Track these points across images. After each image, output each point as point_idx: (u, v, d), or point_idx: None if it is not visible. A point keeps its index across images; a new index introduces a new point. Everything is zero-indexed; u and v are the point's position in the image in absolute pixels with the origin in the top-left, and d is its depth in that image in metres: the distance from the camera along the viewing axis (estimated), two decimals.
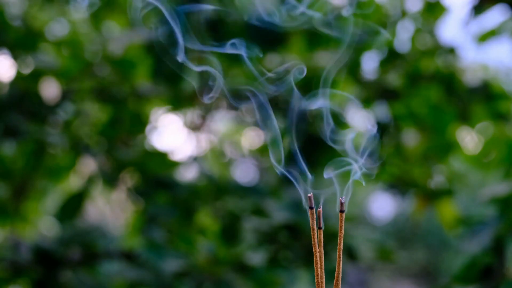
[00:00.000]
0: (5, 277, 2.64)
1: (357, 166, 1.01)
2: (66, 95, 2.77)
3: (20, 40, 2.70)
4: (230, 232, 2.66)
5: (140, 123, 2.85)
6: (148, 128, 2.91)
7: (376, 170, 2.72)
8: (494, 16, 2.55)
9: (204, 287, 2.56)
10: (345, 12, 2.49)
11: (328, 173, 0.98)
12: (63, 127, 2.73)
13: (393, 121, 2.76)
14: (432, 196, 2.79)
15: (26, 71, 2.72)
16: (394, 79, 2.75)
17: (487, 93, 2.71)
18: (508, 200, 2.34)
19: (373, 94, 2.74)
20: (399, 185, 2.86)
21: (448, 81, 2.72)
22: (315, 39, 2.68)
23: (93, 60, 2.79)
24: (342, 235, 0.96)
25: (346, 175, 1.01)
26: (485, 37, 2.58)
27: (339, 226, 0.97)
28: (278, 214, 2.61)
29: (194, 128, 3.02)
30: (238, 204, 2.68)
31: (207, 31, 2.48)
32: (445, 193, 2.78)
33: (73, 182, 3.06)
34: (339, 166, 1.00)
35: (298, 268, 2.65)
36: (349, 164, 1.01)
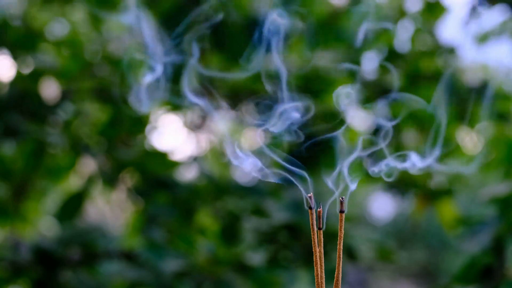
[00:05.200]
0: (5, 277, 2.64)
1: (357, 166, 1.01)
2: (66, 95, 2.77)
3: (20, 40, 2.70)
4: (230, 232, 2.66)
5: (140, 123, 2.85)
6: (148, 128, 2.91)
7: (377, 170, 2.72)
8: (494, 16, 2.55)
9: (204, 287, 2.56)
10: (345, 12, 2.49)
11: (328, 173, 0.99)
12: (63, 127, 2.73)
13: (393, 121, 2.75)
14: (432, 196, 2.79)
15: (26, 71, 2.72)
16: (394, 79, 2.75)
17: (491, 94, 2.71)
18: (508, 200, 2.34)
19: (373, 94, 2.74)
20: (399, 185, 2.86)
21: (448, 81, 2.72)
22: (315, 39, 2.68)
23: (93, 60, 2.79)
24: (342, 235, 0.97)
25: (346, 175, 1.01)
26: (485, 37, 2.58)
27: (339, 226, 0.97)
28: (278, 214, 2.62)
29: (194, 128, 3.02)
30: (238, 204, 2.68)
31: (207, 32, 2.47)
32: (445, 193, 2.78)
33: (73, 182, 3.06)
34: (339, 166, 1.00)
35: (298, 268, 2.65)
36: (349, 164, 1.01)
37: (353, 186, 0.97)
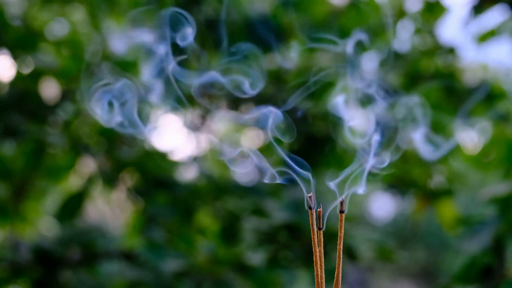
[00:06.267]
0: (5, 277, 2.64)
1: (357, 166, 1.01)
2: (66, 95, 2.77)
3: (20, 40, 2.70)
4: (230, 232, 2.66)
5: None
6: (148, 128, 2.91)
7: (378, 170, 2.72)
8: (494, 16, 2.55)
9: (204, 287, 2.56)
10: (345, 12, 2.49)
11: (328, 174, 0.99)
12: (63, 127, 2.73)
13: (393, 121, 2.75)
14: (432, 196, 2.79)
15: (26, 71, 2.72)
16: (394, 79, 2.75)
17: (487, 93, 2.71)
18: (508, 200, 2.34)
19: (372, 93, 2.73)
20: (399, 185, 2.86)
21: (448, 81, 2.72)
22: (315, 39, 2.68)
23: (93, 60, 2.79)
24: (342, 235, 0.97)
25: (346, 176, 1.01)
26: (485, 37, 2.58)
27: (339, 226, 0.97)
28: (278, 214, 2.62)
29: (194, 128, 3.02)
30: (238, 204, 2.68)
31: (207, 31, 2.48)
32: (445, 193, 2.78)
33: (73, 182, 3.06)
34: (339, 166, 1.00)
35: (298, 268, 2.65)
36: (349, 164, 1.01)
37: (360, 190, 0.98)
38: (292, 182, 1.00)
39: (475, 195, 2.89)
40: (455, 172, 2.91)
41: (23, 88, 2.69)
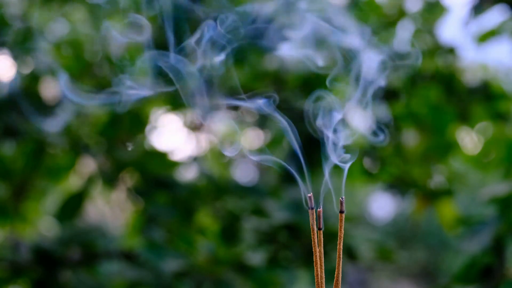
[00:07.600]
0: (5, 277, 2.64)
1: (358, 165, 1.01)
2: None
3: (20, 40, 2.69)
4: (230, 232, 2.66)
5: (140, 123, 2.85)
6: (148, 128, 2.91)
7: (376, 169, 2.72)
8: (494, 16, 2.55)
9: (204, 287, 2.56)
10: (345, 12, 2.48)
11: (327, 173, 0.98)
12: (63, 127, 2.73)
13: (393, 121, 2.76)
14: (432, 196, 2.79)
15: (26, 71, 2.72)
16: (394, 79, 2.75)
17: (487, 93, 2.71)
18: (508, 200, 2.34)
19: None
20: (399, 185, 2.86)
21: (448, 81, 2.72)
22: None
23: (93, 60, 2.79)
24: (342, 235, 0.97)
25: (344, 174, 1.01)
26: (485, 37, 2.58)
27: (339, 226, 0.97)
28: (278, 214, 2.62)
29: (194, 128, 3.02)
30: (238, 204, 2.68)
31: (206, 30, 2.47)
32: (445, 193, 2.78)
33: (73, 182, 3.05)
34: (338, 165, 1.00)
35: (298, 268, 2.65)
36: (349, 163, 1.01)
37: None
38: (292, 182, 1.00)
39: (475, 195, 2.89)
40: (455, 172, 2.91)
41: (23, 88, 2.69)
